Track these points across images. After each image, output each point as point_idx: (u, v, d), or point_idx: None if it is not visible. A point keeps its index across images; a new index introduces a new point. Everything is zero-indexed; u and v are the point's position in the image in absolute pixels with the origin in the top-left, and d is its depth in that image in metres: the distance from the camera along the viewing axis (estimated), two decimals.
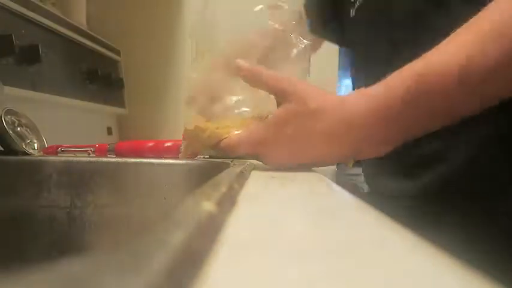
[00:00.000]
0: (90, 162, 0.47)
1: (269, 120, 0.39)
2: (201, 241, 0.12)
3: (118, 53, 0.99)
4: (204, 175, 0.45)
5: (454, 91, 0.31)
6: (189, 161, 0.48)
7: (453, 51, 0.31)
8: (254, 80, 0.40)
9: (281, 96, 0.38)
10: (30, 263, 0.42)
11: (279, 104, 0.39)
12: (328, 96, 0.37)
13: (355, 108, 0.35)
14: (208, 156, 0.59)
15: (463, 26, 0.32)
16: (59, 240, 0.45)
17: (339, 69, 1.26)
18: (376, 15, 0.46)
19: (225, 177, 0.29)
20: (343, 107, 0.36)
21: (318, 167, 0.42)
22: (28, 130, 0.51)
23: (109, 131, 0.94)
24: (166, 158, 0.49)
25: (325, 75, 1.16)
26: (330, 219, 0.18)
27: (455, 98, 0.32)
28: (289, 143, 0.38)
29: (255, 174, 0.35)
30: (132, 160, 0.48)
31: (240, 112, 0.44)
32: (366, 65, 0.50)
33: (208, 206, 0.15)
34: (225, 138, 0.41)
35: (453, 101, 0.32)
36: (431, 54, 0.32)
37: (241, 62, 0.40)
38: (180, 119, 1.24)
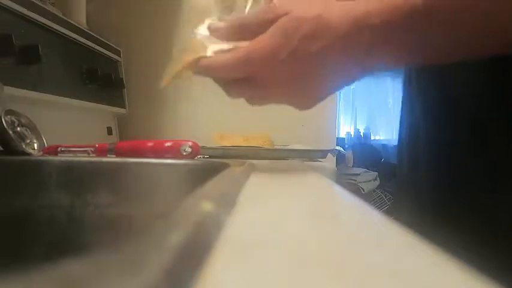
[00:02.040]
0: (90, 162, 0.47)
1: (270, 31, 0.32)
2: (200, 241, 0.12)
3: (118, 53, 0.99)
4: (204, 175, 0.45)
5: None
6: (189, 161, 0.48)
7: None
8: (237, 29, 0.34)
9: (281, 13, 0.32)
10: (30, 263, 0.42)
11: None
12: (336, 2, 0.31)
13: (370, 7, 0.30)
14: (208, 156, 0.59)
15: None
16: (59, 240, 0.45)
17: None
18: None
19: (225, 178, 0.29)
20: (355, 8, 0.30)
21: (324, 96, 0.35)
22: (28, 130, 0.51)
23: (109, 131, 0.94)
24: (166, 158, 0.49)
25: None
26: (329, 219, 0.18)
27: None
28: (297, 57, 0.31)
29: (255, 174, 0.35)
30: (132, 160, 0.48)
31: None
32: None
33: (208, 206, 0.15)
34: (207, 56, 0.34)
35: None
36: None
37: (213, 25, 0.35)
38: (180, 119, 1.24)
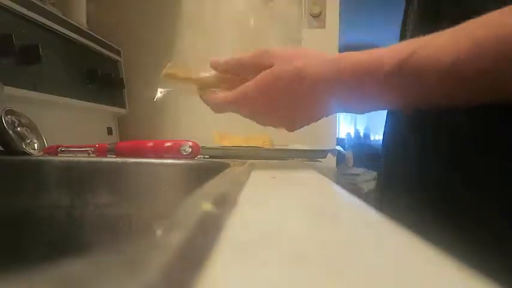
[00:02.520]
0: (90, 162, 0.47)
1: (256, 80, 0.38)
2: (200, 241, 0.12)
3: (118, 53, 0.99)
4: (204, 175, 0.45)
5: (446, 78, 0.30)
6: (189, 161, 0.48)
7: (452, 41, 0.30)
8: (232, 67, 0.42)
9: (265, 66, 0.38)
10: (30, 263, 0.42)
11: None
12: (320, 54, 0.37)
13: (347, 64, 0.34)
14: (208, 156, 0.59)
15: (481, 17, 0.30)
16: (59, 240, 0.45)
17: None
18: None
19: (225, 178, 0.29)
20: (337, 61, 0.35)
21: (306, 124, 0.42)
22: (28, 130, 0.51)
23: (109, 131, 0.94)
24: (166, 158, 0.49)
25: None
26: (329, 219, 0.18)
27: (446, 85, 0.31)
28: (278, 100, 0.38)
29: (255, 174, 0.35)
30: (132, 160, 0.48)
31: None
32: None
33: (208, 206, 0.15)
34: (210, 90, 0.43)
35: (443, 86, 0.31)
36: (439, 36, 0.31)
37: (214, 59, 0.43)
38: (180, 119, 1.24)
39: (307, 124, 0.42)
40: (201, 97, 0.45)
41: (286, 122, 0.42)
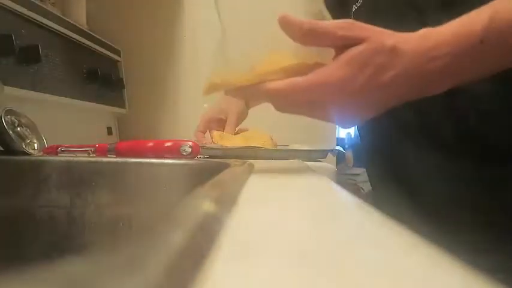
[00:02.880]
0: (90, 162, 0.47)
1: (342, 60, 0.32)
2: (201, 241, 0.12)
3: (118, 53, 0.99)
4: (204, 175, 0.45)
5: None
6: (189, 161, 0.48)
7: None
8: (315, 35, 0.33)
9: (354, 41, 0.32)
10: (30, 263, 0.42)
11: (339, 53, 0.33)
12: (402, 34, 0.33)
13: (440, 38, 0.32)
14: (208, 156, 0.59)
15: None
16: (59, 240, 0.45)
17: None
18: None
19: (225, 178, 0.29)
20: (426, 39, 0.32)
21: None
22: (28, 130, 0.51)
23: (109, 131, 0.94)
24: (166, 158, 0.49)
25: None
26: (330, 219, 0.18)
27: None
28: (370, 88, 0.32)
29: (255, 174, 0.35)
30: (132, 160, 0.48)
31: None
32: None
33: (208, 206, 0.15)
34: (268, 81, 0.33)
35: None
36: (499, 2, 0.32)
37: (286, 17, 0.34)
38: (180, 119, 1.24)
39: (372, 116, 0.36)
40: (257, 91, 0.35)
41: (361, 114, 0.35)
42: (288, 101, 0.34)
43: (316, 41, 0.34)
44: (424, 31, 0.33)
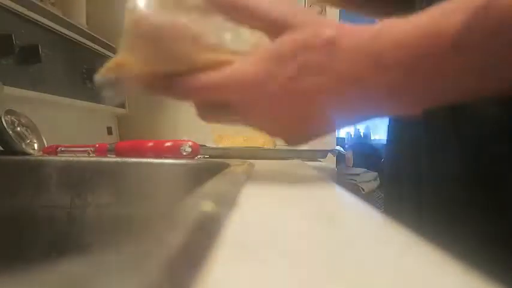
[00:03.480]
0: (90, 162, 0.47)
1: (261, 53, 0.25)
2: (201, 241, 0.12)
3: None
4: (204, 175, 0.45)
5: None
6: (189, 161, 0.48)
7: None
8: (237, 9, 0.26)
9: (280, 26, 0.25)
10: (30, 263, 0.42)
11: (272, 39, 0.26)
12: (350, 26, 0.25)
13: (397, 38, 0.23)
14: (208, 156, 0.59)
15: None
16: (59, 240, 0.45)
17: None
18: None
19: (225, 178, 0.29)
20: (376, 38, 0.23)
21: (322, 135, 0.29)
22: (28, 130, 0.51)
23: (109, 131, 0.94)
24: (166, 158, 0.49)
25: None
26: (329, 219, 0.18)
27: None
28: (289, 93, 0.25)
29: (255, 174, 0.35)
30: (132, 160, 0.48)
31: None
32: None
33: (208, 206, 0.15)
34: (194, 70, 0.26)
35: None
36: None
37: None
38: (180, 119, 1.24)
39: (320, 134, 0.29)
40: (150, 88, 0.28)
41: (293, 129, 0.28)
42: (201, 102, 0.28)
43: (241, 18, 0.27)
44: (380, 25, 0.24)
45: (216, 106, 0.28)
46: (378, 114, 0.27)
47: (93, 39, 0.85)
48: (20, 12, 0.60)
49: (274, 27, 0.26)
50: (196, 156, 0.50)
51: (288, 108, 0.26)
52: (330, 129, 0.28)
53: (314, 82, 0.24)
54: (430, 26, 0.22)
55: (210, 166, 0.47)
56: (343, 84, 0.24)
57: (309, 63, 0.24)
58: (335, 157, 1.02)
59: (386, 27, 0.24)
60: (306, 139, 0.29)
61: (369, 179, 2.66)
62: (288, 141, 0.30)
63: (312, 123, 0.27)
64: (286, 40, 0.25)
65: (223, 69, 0.26)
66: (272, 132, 0.30)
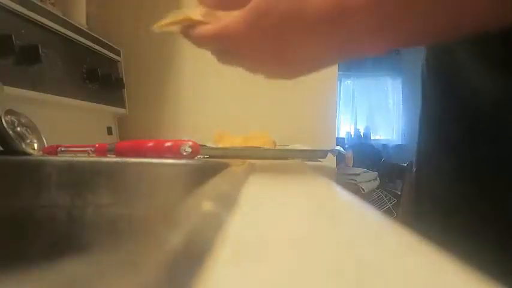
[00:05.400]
0: (90, 162, 0.47)
1: (246, 9, 0.30)
2: (201, 241, 0.12)
3: (118, 53, 0.99)
4: (204, 175, 0.45)
5: None
6: (189, 161, 0.48)
7: None
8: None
9: None
10: (30, 263, 0.42)
11: None
12: None
13: None
14: (208, 156, 0.59)
15: None
16: (59, 240, 0.45)
17: (339, 69, 1.26)
18: None
19: (225, 178, 0.29)
20: None
21: (304, 72, 0.33)
22: (28, 130, 0.51)
23: (109, 131, 0.94)
24: (166, 158, 0.49)
25: (325, 75, 1.16)
26: (330, 219, 0.18)
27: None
28: (273, 36, 0.29)
29: (255, 174, 0.35)
30: (132, 160, 0.48)
31: None
32: None
33: (208, 206, 0.15)
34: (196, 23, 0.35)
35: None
36: None
37: None
38: (180, 119, 1.24)
39: (307, 72, 0.33)
40: (182, 34, 0.38)
41: (279, 67, 0.33)
42: (211, 49, 0.35)
43: (227, 4, 0.33)
44: None
45: (223, 51, 0.34)
46: (352, 54, 0.30)
47: (93, 39, 0.85)
48: (20, 12, 0.60)
49: None
50: (196, 156, 0.50)
51: (274, 51, 0.30)
52: (314, 64, 0.32)
53: (288, 29, 0.28)
54: None
55: (210, 166, 0.47)
56: (315, 26, 0.27)
57: (281, 14, 0.28)
58: (335, 157, 1.02)
59: None
60: (296, 74, 0.34)
61: (369, 179, 2.67)
62: (282, 77, 0.35)
63: (296, 60, 0.31)
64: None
65: (217, 24, 0.32)
66: (264, 72, 0.35)
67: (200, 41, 0.34)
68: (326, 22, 0.26)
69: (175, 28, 0.39)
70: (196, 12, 0.36)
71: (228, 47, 0.33)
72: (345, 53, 0.30)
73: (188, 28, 0.36)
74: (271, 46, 0.30)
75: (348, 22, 0.26)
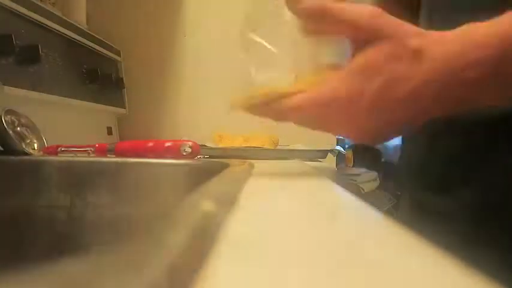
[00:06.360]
0: (90, 162, 0.47)
1: (351, 67, 0.27)
2: (201, 241, 0.12)
3: (118, 53, 0.99)
4: (204, 175, 0.45)
5: None
6: (189, 161, 0.48)
7: None
8: (325, 16, 0.28)
9: (373, 37, 0.27)
10: (30, 263, 0.42)
11: (358, 51, 0.27)
12: (434, 33, 0.26)
13: (481, 39, 0.25)
14: (208, 156, 0.59)
15: None
16: (59, 240, 0.45)
17: None
18: None
19: (225, 178, 0.29)
20: (463, 38, 0.25)
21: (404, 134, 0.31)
22: (28, 130, 0.51)
23: (109, 131, 0.94)
24: (166, 158, 0.49)
25: None
26: (330, 219, 0.18)
27: None
28: (376, 101, 0.26)
29: (255, 174, 0.35)
30: (132, 160, 0.48)
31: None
32: None
33: (208, 205, 0.15)
34: (285, 94, 0.30)
35: None
36: None
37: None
38: (180, 119, 1.24)
39: (393, 136, 0.31)
40: (262, 110, 0.32)
41: (382, 131, 0.30)
42: (296, 118, 0.31)
43: (324, 24, 0.29)
44: (461, 29, 0.26)
45: (311, 119, 0.31)
46: (457, 110, 0.28)
47: (93, 39, 0.85)
48: (20, 12, 0.60)
49: (372, 37, 0.27)
50: (196, 156, 0.50)
51: (381, 116, 0.28)
52: (411, 127, 0.30)
53: (403, 89, 0.26)
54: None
55: (210, 166, 0.47)
56: (432, 84, 0.26)
57: (398, 73, 0.26)
58: (335, 157, 1.02)
59: (467, 30, 0.25)
60: (387, 138, 0.32)
61: (368, 179, 2.66)
62: (373, 143, 0.33)
63: (397, 126, 0.29)
64: (372, 53, 0.26)
65: (314, 90, 0.28)
66: (358, 138, 0.32)
67: (295, 114, 0.30)
68: (437, 77, 0.26)
69: (255, 102, 0.32)
70: (283, 82, 0.32)
71: (321, 116, 0.29)
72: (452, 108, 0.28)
73: (273, 101, 0.31)
74: (372, 117, 0.28)
75: (462, 75, 0.25)
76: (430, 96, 0.26)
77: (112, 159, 0.49)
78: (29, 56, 0.59)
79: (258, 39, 0.35)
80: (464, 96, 0.26)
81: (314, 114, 0.29)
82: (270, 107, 0.31)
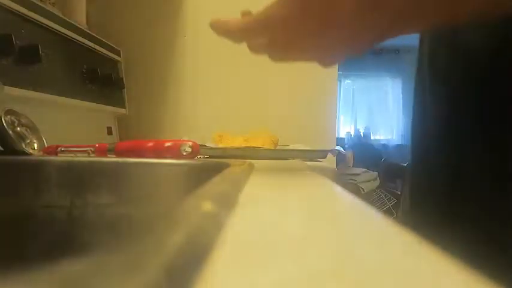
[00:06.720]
0: (90, 162, 0.47)
1: None
2: (201, 241, 0.12)
3: (118, 53, 0.99)
4: (204, 175, 0.45)
5: None
6: (189, 161, 0.48)
7: None
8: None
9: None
10: (30, 263, 0.42)
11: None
12: None
13: None
14: (208, 156, 0.59)
15: None
16: (59, 240, 0.45)
17: (339, 69, 1.26)
18: None
19: (225, 178, 0.29)
20: None
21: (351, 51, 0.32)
22: (28, 130, 0.51)
23: (109, 131, 0.94)
24: (166, 158, 0.49)
25: (325, 75, 1.16)
26: (330, 219, 0.18)
27: None
28: (318, 16, 0.28)
29: (255, 174, 0.35)
30: (132, 160, 0.48)
31: None
32: None
33: (208, 206, 0.15)
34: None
35: None
36: None
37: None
38: (180, 119, 1.24)
39: (349, 53, 0.32)
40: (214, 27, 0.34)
41: (323, 50, 0.32)
42: (246, 40, 0.33)
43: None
44: None
45: (262, 44, 0.32)
46: (389, 35, 0.29)
47: (93, 39, 0.85)
48: (20, 12, 0.60)
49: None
50: (196, 156, 0.50)
51: (318, 33, 0.29)
52: (351, 49, 0.31)
53: (328, 18, 0.27)
54: None
55: (210, 166, 0.47)
56: (348, 19, 0.27)
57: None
58: (335, 157, 1.02)
59: None
60: (336, 59, 0.33)
61: (368, 179, 2.67)
62: (321, 63, 0.34)
63: (333, 43, 0.30)
64: None
65: (261, 12, 0.30)
66: (305, 57, 0.34)
67: (237, 35, 0.32)
68: (360, 14, 0.27)
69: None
70: None
71: (269, 37, 0.31)
72: (387, 35, 0.29)
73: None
74: (315, 29, 0.29)
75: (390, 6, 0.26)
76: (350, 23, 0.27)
77: (112, 159, 0.49)
78: (29, 56, 0.59)
79: None
80: (386, 24, 0.27)
81: (260, 32, 0.31)
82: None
